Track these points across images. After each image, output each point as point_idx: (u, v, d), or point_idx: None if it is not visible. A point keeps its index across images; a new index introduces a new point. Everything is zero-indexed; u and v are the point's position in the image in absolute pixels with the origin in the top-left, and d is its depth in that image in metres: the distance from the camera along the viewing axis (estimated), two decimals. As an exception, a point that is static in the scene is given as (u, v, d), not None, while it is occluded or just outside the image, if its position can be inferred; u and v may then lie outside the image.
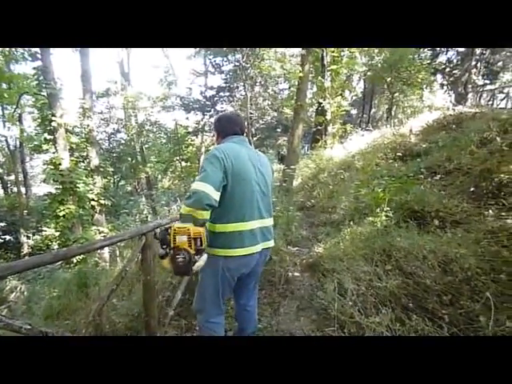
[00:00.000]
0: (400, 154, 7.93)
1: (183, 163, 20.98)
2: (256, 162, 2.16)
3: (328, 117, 14.34)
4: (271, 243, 2.27)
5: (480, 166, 5.17)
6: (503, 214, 4.13)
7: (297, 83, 10.49)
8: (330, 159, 10.94)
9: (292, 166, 8.32)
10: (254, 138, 18.06)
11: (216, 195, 1.87)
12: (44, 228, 12.26)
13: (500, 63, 22.14)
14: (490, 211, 4.03)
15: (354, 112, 25.55)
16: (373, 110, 25.97)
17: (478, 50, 19.90)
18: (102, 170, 12.59)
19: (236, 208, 2.00)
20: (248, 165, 2.08)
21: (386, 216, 4.34)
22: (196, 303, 2.27)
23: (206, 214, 1.87)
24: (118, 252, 10.70)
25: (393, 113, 19.04)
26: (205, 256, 1.86)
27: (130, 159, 18.69)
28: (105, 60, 33.60)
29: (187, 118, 21.22)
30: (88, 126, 12.31)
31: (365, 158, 8.74)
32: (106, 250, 10.24)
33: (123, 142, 18.90)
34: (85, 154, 13.12)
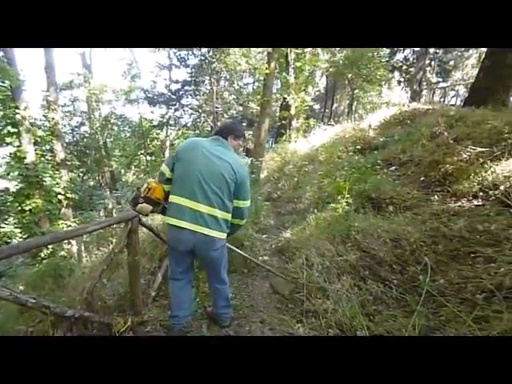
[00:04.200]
0: (359, 147, 8.48)
1: (148, 157, 20.84)
2: (213, 158, 2.44)
3: (292, 112, 14.84)
4: (206, 230, 2.40)
5: (429, 157, 5.75)
6: (447, 199, 4.69)
7: (263, 79, 10.83)
8: (295, 152, 11.39)
9: (260, 159, 8.68)
10: (220, 132, 18.19)
11: (169, 174, 2.56)
12: (2, 225, 11.85)
13: (452, 62, 23.50)
14: (436, 197, 4.57)
15: (316, 107, 26.21)
16: (335, 105, 26.80)
17: (431, 49, 21.04)
18: (68, 163, 12.41)
19: (176, 184, 2.49)
20: (198, 156, 2.43)
21: (347, 203, 4.79)
22: None
23: (167, 187, 2.59)
24: (83, 247, 10.67)
25: (353, 108, 19.82)
26: (145, 205, 2.59)
27: (94, 153, 18.40)
28: (67, 51, 32.21)
29: (152, 112, 21.09)
30: (53, 118, 12.09)
31: (327, 151, 9.23)
32: (74, 244, 10.23)
33: (87, 135, 18.52)
34: (49, 147, 12.86)
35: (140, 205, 2.60)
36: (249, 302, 3.55)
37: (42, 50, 12.23)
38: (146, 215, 2.80)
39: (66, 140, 16.48)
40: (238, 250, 3.30)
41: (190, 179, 2.40)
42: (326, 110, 25.61)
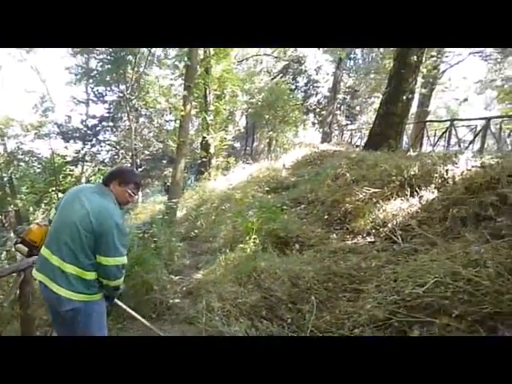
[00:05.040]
0: (273, 186, 8.93)
1: (60, 194, 19.56)
2: (76, 205, 2.16)
3: (212, 150, 15.16)
4: (53, 286, 2.09)
5: (332, 197, 6.24)
6: (347, 236, 5.10)
7: (179, 120, 11.04)
8: (213, 191, 11.56)
9: (174, 200, 8.68)
10: (140, 169, 17.94)
11: (52, 217, 2.33)
12: None
13: (358, 107, 26.01)
14: (334, 235, 4.96)
15: (237, 145, 27.00)
16: (255, 144, 27.86)
17: (340, 95, 23.13)
18: (-37, 203, 11.27)
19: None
20: (67, 203, 2.22)
21: (254, 243, 4.97)
22: None
23: None
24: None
25: (272, 147, 20.81)
26: (21, 246, 2.45)
27: (-2, 190, 16.90)
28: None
29: (66, 148, 20.10)
30: None
31: (243, 190, 9.54)
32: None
33: (-12, 171, 17.00)
34: None
35: (17, 245, 2.47)
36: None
37: None
38: (29, 257, 2.60)
39: (-37, 177, 15.02)
40: (124, 306, 2.86)
41: (53, 227, 2.22)
42: (247, 148, 26.54)
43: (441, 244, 3.28)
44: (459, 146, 9.63)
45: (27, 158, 19.09)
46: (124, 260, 2.18)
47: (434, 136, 12.25)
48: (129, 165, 17.45)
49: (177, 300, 4.77)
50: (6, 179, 17.52)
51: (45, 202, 21.07)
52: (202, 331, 3.26)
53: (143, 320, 3.13)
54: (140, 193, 15.36)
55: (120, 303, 2.67)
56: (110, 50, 15.40)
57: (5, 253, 14.63)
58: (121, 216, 2.20)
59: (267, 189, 8.88)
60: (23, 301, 3.06)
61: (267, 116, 19.02)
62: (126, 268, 2.35)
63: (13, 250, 14.37)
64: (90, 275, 2.12)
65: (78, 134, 20.41)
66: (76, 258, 2.07)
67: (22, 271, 2.99)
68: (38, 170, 20.15)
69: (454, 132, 10.18)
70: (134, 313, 2.92)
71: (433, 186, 4.92)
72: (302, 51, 21.00)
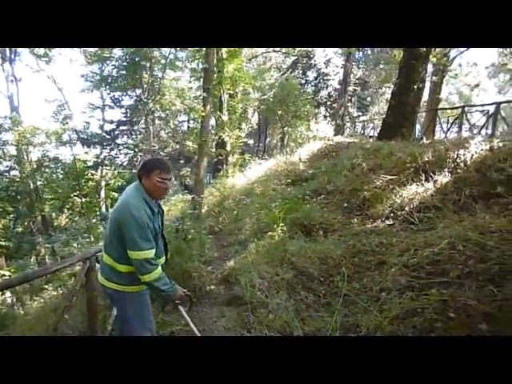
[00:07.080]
0: (292, 180, 9.30)
1: (83, 199, 20.23)
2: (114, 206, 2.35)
3: (228, 148, 15.61)
4: (102, 279, 2.35)
5: (350, 186, 6.62)
6: (367, 221, 5.48)
7: (199, 121, 11.48)
8: (233, 187, 11.99)
9: (200, 196, 9.16)
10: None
11: None
12: None
13: (369, 98, 26.12)
14: (355, 220, 5.34)
15: (251, 142, 27.36)
16: (268, 140, 28.24)
17: (350, 87, 23.30)
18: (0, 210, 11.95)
19: None
20: None
21: (282, 230, 5.38)
22: None
23: None
24: (14, 299, 10.22)
25: (285, 142, 21.12)
26: None
27: (26, 197, 17.60)
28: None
29: (86, 153, 20.79)
30: (-18, 165, 11.69)
31: (263, 185, 9.95)
32: (8, 295, 9.81)
33: (18, 179, 17.69)
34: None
35: None
36: (200, 327, 3.91)
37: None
38: None
39: (-4, 186, 15.74)
40: (184, 313, 2.47)
41: None
42: (260, 145, 26.94)
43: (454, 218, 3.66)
44: (471, 131, 9.86)
45: (52, 165, 19.79)
46: (146, 254, 2.12)
47: (447, 123, 12.43)
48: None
49: (213, 286, 5.22)
50: (32, 186, 18.21)
51: (67, 207, 21.78)
52: (241, 310, 3.69)
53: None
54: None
55: (182, 309, 2.43)
56: (125, 56, 15.83)
57: (34, 256, 15.40)
58: (140, 209, 2.15)
59: (288, 181, 9.26)
60: (88, 286, 3.51)
61: (279, 112, 19.33)
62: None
63: (42, 252, 15.08)
64: (122, 268, 2.24)
65: (96, 140, 21.08)
66: (109, 250, 2.30)
67: (87, 260, 3.45)
68: (61, 176, 20.88)
69: (465, 118, 10.40)
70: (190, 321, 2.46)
71: (446, 170, 5.26)
72: (310, 46, 21.23)
